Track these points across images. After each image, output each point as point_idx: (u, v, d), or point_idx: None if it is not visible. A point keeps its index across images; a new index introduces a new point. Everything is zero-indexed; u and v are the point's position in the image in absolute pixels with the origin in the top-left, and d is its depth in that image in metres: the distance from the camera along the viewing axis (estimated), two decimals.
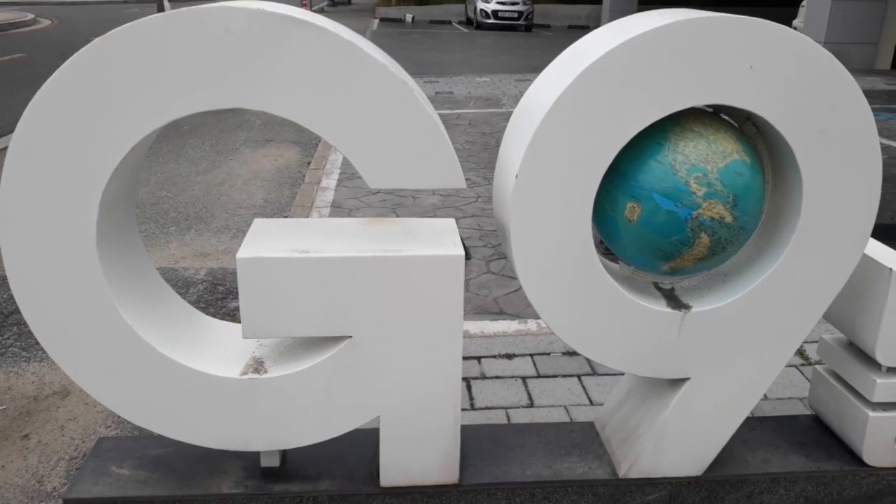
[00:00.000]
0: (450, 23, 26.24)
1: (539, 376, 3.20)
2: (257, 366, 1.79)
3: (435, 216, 5.33)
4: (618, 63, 1.58)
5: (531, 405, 2.97)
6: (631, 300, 1.77)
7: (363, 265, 1.68)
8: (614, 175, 1.73)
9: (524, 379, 3.18)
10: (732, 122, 1.80)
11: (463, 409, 2.93)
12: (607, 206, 1.77)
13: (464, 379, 3.17)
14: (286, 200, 5.89)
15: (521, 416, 2.88)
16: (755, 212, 1.72)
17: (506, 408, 2.96)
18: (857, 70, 12.82)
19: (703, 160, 1.65)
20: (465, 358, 3.36)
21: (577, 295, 1.76)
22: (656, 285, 1.94)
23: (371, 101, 1.57)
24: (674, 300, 1.87)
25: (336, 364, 1.75)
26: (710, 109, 1.80)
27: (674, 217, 1.67)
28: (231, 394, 1.75)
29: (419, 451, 1.85)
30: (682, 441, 1.92)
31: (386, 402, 1.80)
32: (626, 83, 1.59)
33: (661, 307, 1.82)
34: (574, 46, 1.74)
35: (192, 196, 6.01)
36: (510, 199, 1.67)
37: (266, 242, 1.72)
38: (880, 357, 1.93)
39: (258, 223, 1.86)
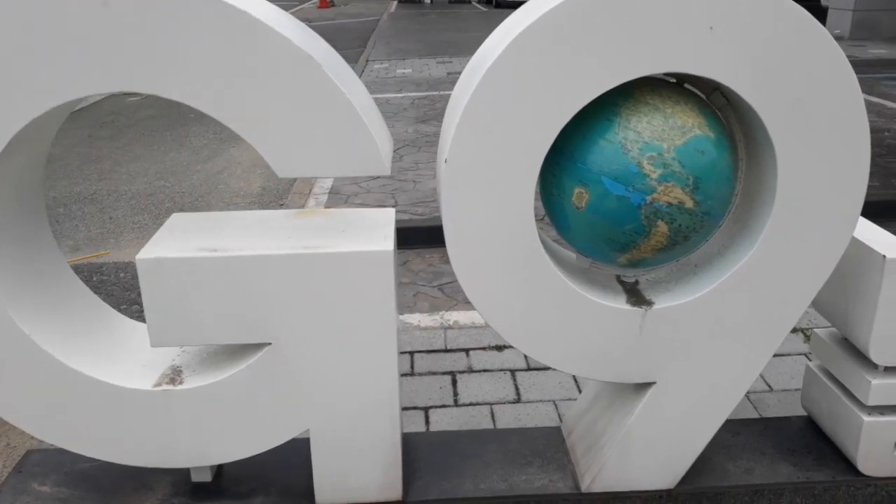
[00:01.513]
0: (469, 2, 25.84)
1: (529, 369, 3.03)
2: (174, 375, 1.63)
3: (436, 201, 5.14)
4: (556, 25, 1.37)
5: (518, 400, 2.81)
6: (583, 297, 1.58)
7: (279, 264, 1.50)
8: (560, 156, 1.53)
9: (513, 372, 3.01)
10: (698, 92, 1.58)
11: (445, 406, 2.77)
12: (554, 192, 1.57)
13: (449, 373, 3.02)
14: (284, 188, 5.74)
15: (507, 413, 2.71)
16: (723, 194, 1.51)
17: (491, 404, 2.79)
18: (888, 38, 12.27)
19: (657, 137, 1.44)
20: (452, 350, 3.20)
21: (520, 292, 1.56)
22: (619, 279, 1.73)
23: (274, 79, 1.39)
24: (636, 295, 1.66)
25: (256, 373, 1.58)
26: (673, 80, 1.59)
27: (625, 203, 1.46)
28: (144, 407, 1.60)
29: (356, 465, 1.68)
30: (650, 451, 1.72)
31: (315, 414, 1.63)
32: (567, 48, 1.38)
33: (619, 304, 1.61)
34: (527, 5, 1.53)
35: (189, 185, 5.89)
36: (440, 184, 1.48)
37: (174, 240, 1.56)
38: (875, 355, 1.71)
39: (175, 218, 1.69)
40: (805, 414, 2.06)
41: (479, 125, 1.43)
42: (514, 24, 1.45)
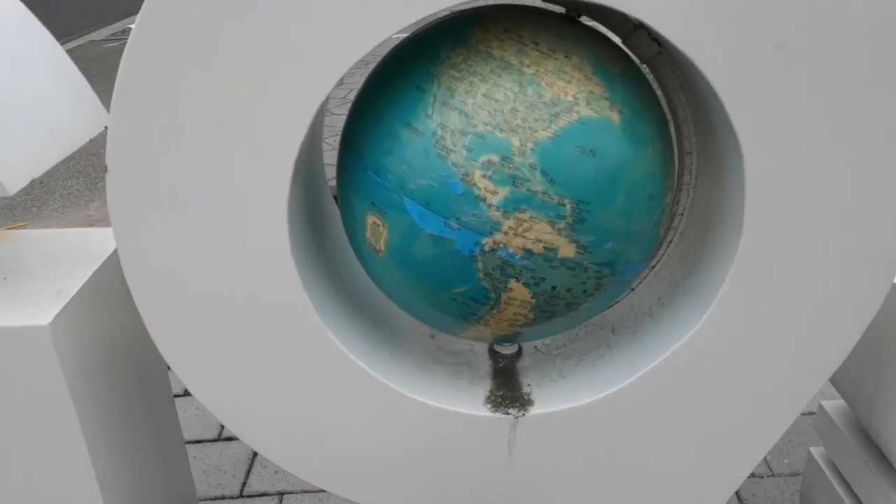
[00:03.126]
0: None
1: None
2: None
3: None
4: None
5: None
6: (390, 390, 0.90)
7: None
8: (347, 156, 0.84)
9: None
10: (606, 31, 0.87)
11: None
12: (347, 219, 0.89)
13: None
14: None
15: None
16: (640, 228, 0.81)
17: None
18: None
19: (502, 124, 0.74)
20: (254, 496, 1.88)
21: (255, 373, 0.89)
22: (492, 349, 1.05)
23: None
24: (507, 386, 0.98)
25: None
26: (560, 6, 0.87)
27: (446, 248, 0.77)
28: None
29: None
30: None
31: None
32: None
33: (470, 405, 0.93)
34: None
35: None
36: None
37: None
38: None
39: None
40: None
41: (131, 105, 0.74)
42: None
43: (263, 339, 0.89)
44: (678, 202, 0.97)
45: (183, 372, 0.90)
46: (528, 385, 0.98)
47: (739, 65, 0.76)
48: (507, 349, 1.03)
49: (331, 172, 0.96)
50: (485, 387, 0.98)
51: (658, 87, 0.91)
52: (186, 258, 0.84)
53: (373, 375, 0.90)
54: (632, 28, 0.87)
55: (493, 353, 1.04)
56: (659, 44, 0.87)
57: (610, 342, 1.00)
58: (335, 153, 0.90)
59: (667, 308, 0.97)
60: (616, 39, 0.89)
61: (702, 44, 0.75)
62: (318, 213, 1.03)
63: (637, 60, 0.88)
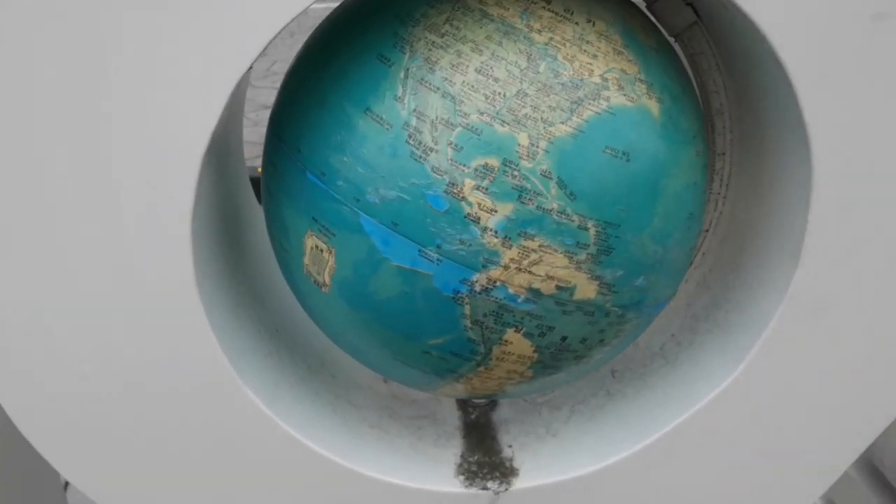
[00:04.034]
0: None
1: None
2: None
3: None
4: None
5: None
6: (330, 463, 0.67)
7: None
8: (280, 149, 0.61)
9: None
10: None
11: None
12: (276, 234, 0.65)
13: None
14: None
15: None
16: (677, 254, 0.61)
17: None
18: None
19: (506, 113, 0.52)
20: None
21: (152, 450, 0.66)
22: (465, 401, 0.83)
23: None
24: (481, 449, 0.76)
25: None
26: None
27: (420, 286, 0.55)
28: None
29: None
30: None
31: None
32: None
33: (437, 477, 0.72)
34: None
35: None
36: None
37: None
38: None
39: None
40: None
41: None
42: None
43: (157, 403, 0.64)
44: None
45: (56, 458, 0.65)
46: (510, 446, 0.77)
47: (822, 38, 0.56)
48: (482, 399, 0.82)
49: (252, 151, 0.71)
50: (454, 449, 0.76)
51: (689, 68, 0.70)
52: (44, 295, 0.59)
53: (306, 445, 0.67)
54: None
55: (462, 401, 0.82)
56: (695, 10, 0.66)
57: (610, 389, 0.80)
58: (257, 129, 0.66)
59: (685, 348, 0.77)
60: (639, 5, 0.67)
61: (774, 7, 0.55)
62: (232, 212, 0.78)
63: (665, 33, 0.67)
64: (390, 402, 0.80)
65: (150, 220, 0.57)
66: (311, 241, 0.58)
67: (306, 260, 0.59)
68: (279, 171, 0.60)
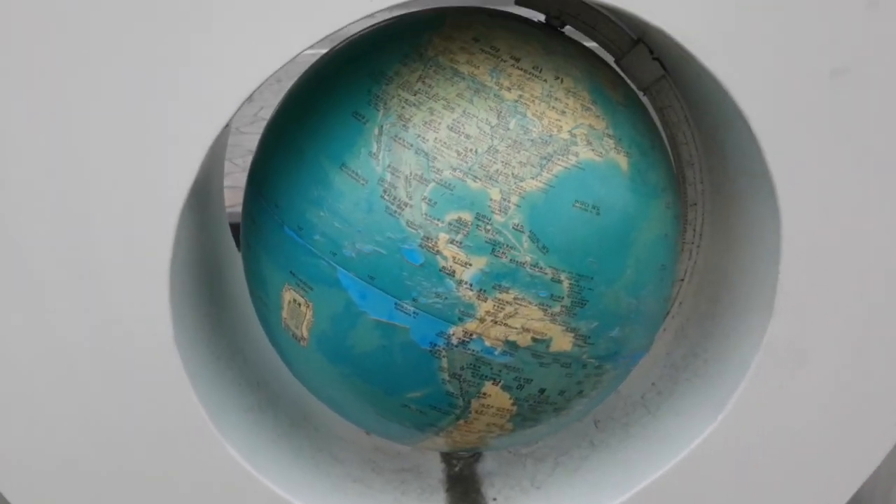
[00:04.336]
0: None
1: None
2: None
3: None
4: None
5: None
6: None
7: None
8: (259, 203, 0.62)
9: None
10: (596, 47, 0.67)
11: None
12: (255, 288, 0.65)
13: None
14: None
15: None
16: (651, 305, 0.62)
17: None
18: None
19: (478, 169, 0.53)
20: None
21: None
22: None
23: None
24: (468, 501, 0.76)
25: None
26: (540, 16, 0.67)
27: (397, 339, 0.55)
28: None
29: None
30: None
31: None
32: None
33: None
34: None
35: None
36: None
37: None
38: None
39: None
40: None
41: None
42: None
43: (135, 457, 0.64)
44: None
45: None
46: (494, 500, 0.76)
47: (783, 92, 0.58)
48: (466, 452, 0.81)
49: (239, 197, 0.71)
50: (439, 502, 0.76)
51: (658, 122, 0.72)
52: (19, 349, 0.59)
53: (287, 500, 0.66)
54: (629, 43, 0.68)
55: (446, 454, 0.81)
56: (662, 65, 0.68)
57: (594, 440, 0.80)
58: (244, 176, 0.67)
59: (665, 398, 0.77)
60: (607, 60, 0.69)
61: (736, 63, 0.57)
62: (212, 263, 0.79)
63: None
64: (373, 456, 0.80)
65: (128, 271, 0.58)
66: (288, 295, 0.59)
67: (284, 314, 0.60)
68: (257, 225, 0.61)
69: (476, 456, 0.82)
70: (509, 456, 0.82)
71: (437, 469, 0.80)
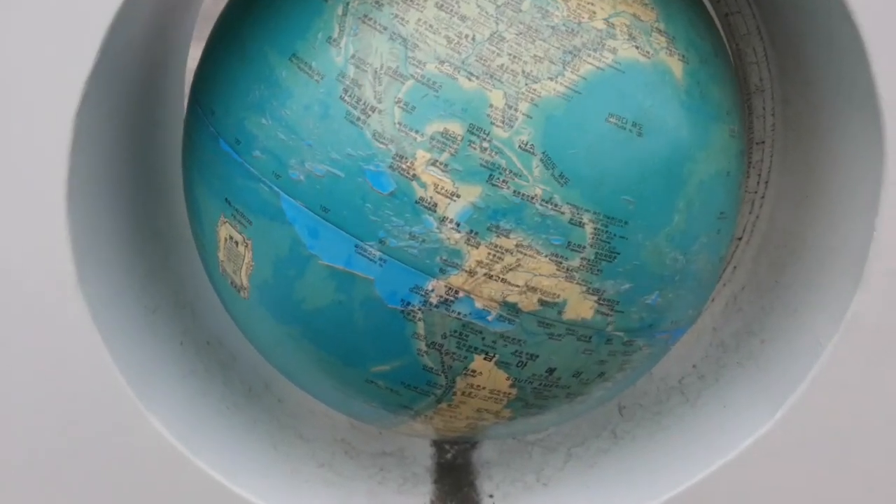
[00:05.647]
0: None
1: None
2: None
3: None
4: None
5: None
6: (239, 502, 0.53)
7: None
8: (195, 111, 0.47)
9: None
10: None
11: None
12: (192, 223, 0.51)
13: None
14: None
15: None
16: (703, 265, 0.46)
17: None
18: None
19: (474, 63, 0.38)
20: None
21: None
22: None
23: None
24: (459, 497, 0.62)
25: None
26: None
27: (358, 293, 0.41)
28: None
29: None
30: None
31: None
32: None
33: None
34: None
35: None
36: None
37: None
38: None
39: None
40: None
41: None
42: None
43: (38, 434, 0.51)
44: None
45: None
46: (491, 496, 0.63)
47: None
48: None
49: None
50: (422, 498, 0.62)
51: (722, 31, 0.56)
52: None
53: (228, 489, 0.53)
54: None
55: (435, 447, 0.68)
56: None
57: (617, 429, 0.65)
58: None
59: (709, 384, 0.63)
60: None
61: None
62: (154, 193, 0.65)
63: None
64: (349, 435, 0.67)
65: (22, 190, 0.44)
66: (224, 231, 0.45)
67: (221, 255, 0.46)
68: (192, 140, 0.47)
69: (472, 442, 0.68)
70: (513, 443, 0.68)
71: (424, 455, 0.67)
